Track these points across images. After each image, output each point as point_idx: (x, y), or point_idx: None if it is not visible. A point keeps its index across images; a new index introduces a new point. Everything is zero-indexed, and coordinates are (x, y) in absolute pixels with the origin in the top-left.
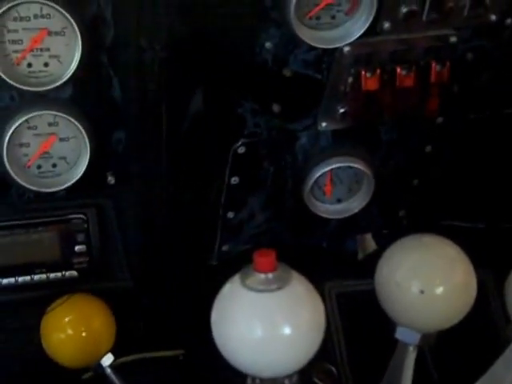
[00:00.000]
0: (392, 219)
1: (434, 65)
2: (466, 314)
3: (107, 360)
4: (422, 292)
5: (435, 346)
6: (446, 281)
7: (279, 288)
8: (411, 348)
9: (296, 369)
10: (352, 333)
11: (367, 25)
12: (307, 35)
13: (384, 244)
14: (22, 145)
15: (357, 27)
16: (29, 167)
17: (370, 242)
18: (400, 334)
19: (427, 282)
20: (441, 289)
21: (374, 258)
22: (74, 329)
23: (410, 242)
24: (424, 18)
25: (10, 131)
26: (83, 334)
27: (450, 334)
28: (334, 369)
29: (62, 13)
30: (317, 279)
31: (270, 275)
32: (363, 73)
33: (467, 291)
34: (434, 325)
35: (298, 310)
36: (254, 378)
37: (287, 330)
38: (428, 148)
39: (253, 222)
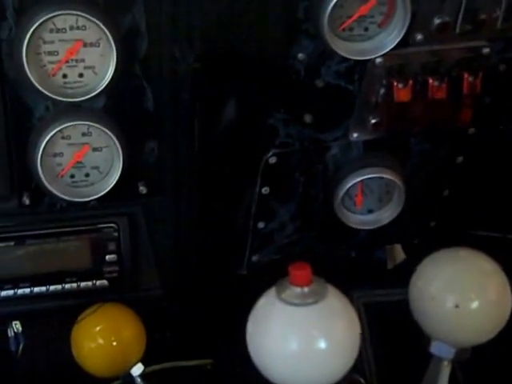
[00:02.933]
0: (422, 230)
1: (466, 76)
2: (501, 328)
3: (137, 370)
4: (457, 306)
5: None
6: (482, 295)
7: (315, 302)
8: (446, 362)
9: (331, 383)
10: (380, 342)
11: (400, 37)
12: (340, 47)
13: (414, 254)
14: (55, 154)
15: (390, 39)
16: (62, 177)
17: (399, 252)
18: (434, 348)
19: (462, 296)
20: (476, 303)
21: (403, 268)
22: (104, 338)
23: (445, 256)
24: (457, 29)
25: (45, 141)
26: (113, 344)
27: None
28: (362, 380)
29: (97, 24)
30: (344, 288)
31: (306, 289)
32: (395, 84)
33: (503, 305)
34: (469, 339)
35: (333, 324)
36: None
37: (323, 344)
38: (459, 159)
39: (283, 232)
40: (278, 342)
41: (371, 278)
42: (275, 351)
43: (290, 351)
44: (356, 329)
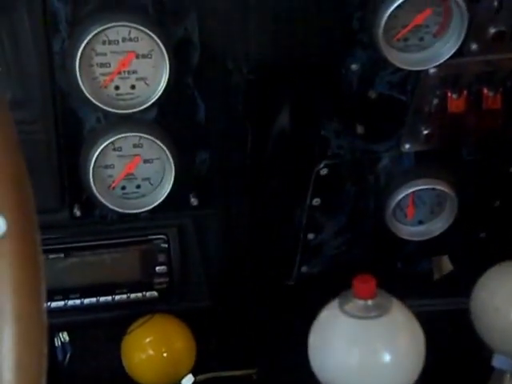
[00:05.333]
0: (472, 241)
1: None
2: None
3: (188, 381)
4: None
5: None
6: None
7: (379, 315)
8: (508, 376)
9: None
10: (427, 352)
11: (456, 47)
12: (395, 57)
13: (461, 265)
14: (106, 166)
15: (445, 49)
16: (113, 188)
17: (446, 263)
18: (497, 361)
19: None
20: None
21: (449, 279)
22: (154, 349)
23: (509, 267)
24: None
25: (96, 153)
26: (164, 355)
27: None
28: None
29: (149, 36)
30: None
31: (370, 302)
32: (449, 94)
33: None
34: None
35: (398, 337)
36: None
37: (387, 358)
38: None
39: (333, 243)
40: (341, 355)
41: (417, 288)
42: (339, 365)
43: (353, 365)
44: (420, 342)
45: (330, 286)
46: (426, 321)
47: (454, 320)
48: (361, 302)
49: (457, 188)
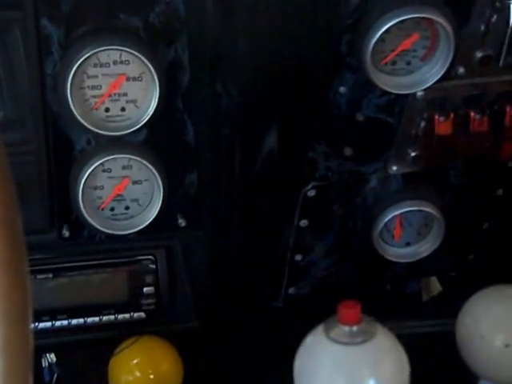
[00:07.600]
0: (461, 263)
1: (508, 109)
2: None
3: None
4: (507, 346)
5: None
6: None
7: (364, 341)
8: None
9: None
10: (412, 375)
11: (443, 71)
12: (382, 81)
13: (450, 286)
14: (96, 187)
15: (432, 73)
16: (102, 209)
17: (434, 284)
18: None
19: None
20: None
21: (437, 300)
22: (141, 371)
23: (494, 293)
24: (501, 63)
25: (86, 174)
26: (151, 377)
27: None
28: None
29: (140, 59)
30: (377, 319)
31: (355, 328)
32: (436, 117)
33: None
34: None
35: (383, 363)
36: None
37: None
38: (499, 191)
39: (320, 264)
40: (326, 381)
41: (404, 308)
42: None
43: None
44: (405, 368)
45: (319, 308)
46: (414, 343)
47: (443, 342)
48: (346, 328)
49: (444, 210)
